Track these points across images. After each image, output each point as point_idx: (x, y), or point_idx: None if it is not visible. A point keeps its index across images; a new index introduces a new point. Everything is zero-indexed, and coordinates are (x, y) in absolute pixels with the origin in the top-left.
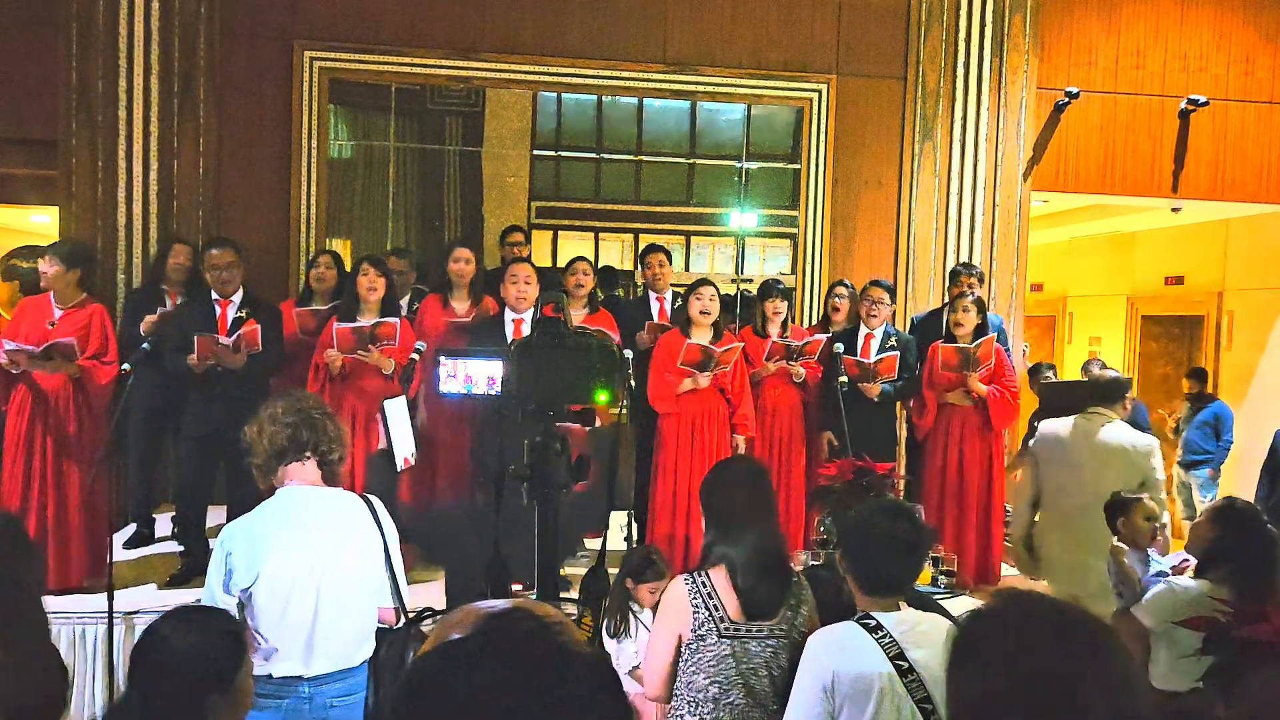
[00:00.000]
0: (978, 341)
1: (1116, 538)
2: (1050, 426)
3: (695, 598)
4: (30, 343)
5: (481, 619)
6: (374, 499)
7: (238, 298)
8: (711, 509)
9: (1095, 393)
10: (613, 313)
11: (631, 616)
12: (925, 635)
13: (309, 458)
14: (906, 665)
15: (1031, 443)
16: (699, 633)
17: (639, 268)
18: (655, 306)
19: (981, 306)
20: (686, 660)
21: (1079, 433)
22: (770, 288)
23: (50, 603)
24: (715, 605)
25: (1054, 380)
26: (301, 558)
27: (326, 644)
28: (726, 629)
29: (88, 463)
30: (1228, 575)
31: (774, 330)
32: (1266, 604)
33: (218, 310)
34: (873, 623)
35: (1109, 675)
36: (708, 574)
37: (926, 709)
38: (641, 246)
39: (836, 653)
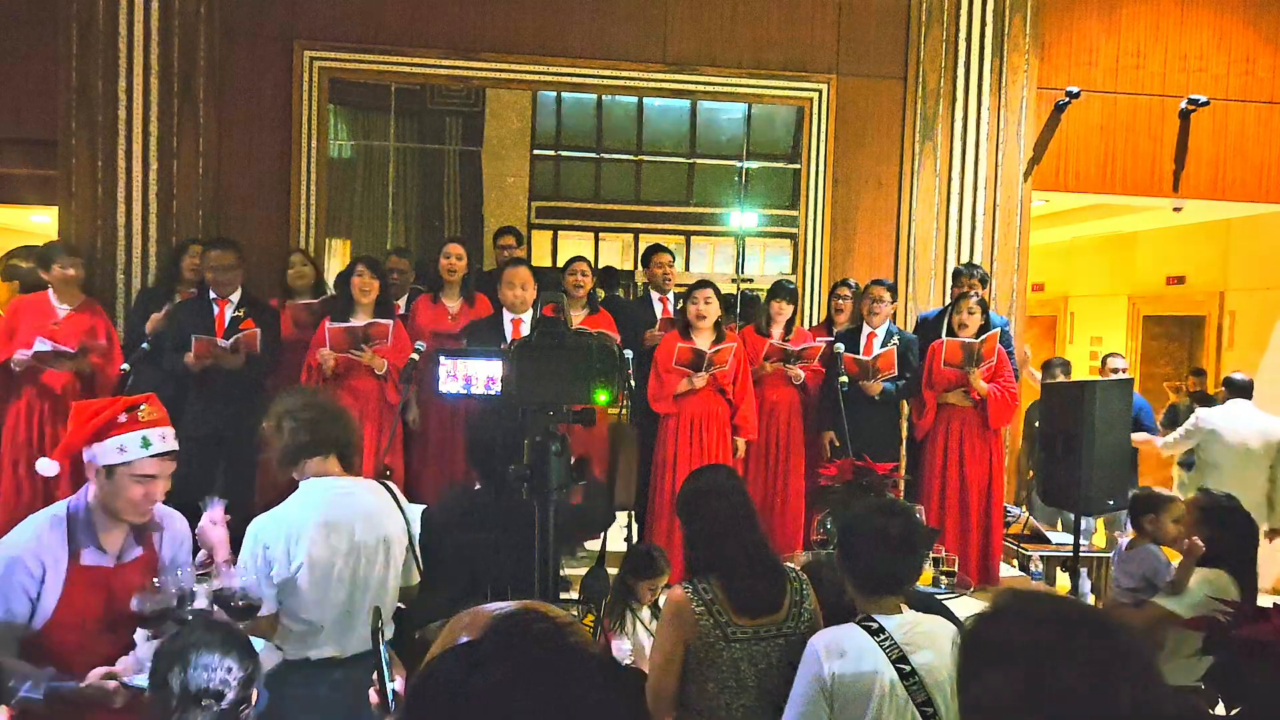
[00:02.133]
0: (982, 337)
1: (1138, 534)
2: (1210, 414)
3: (699, 605)
4: (32, 343)
5: (492, 621)
6: (392, 485)
7: (236, 297)
8: (694, 522)
9: (1238, 389)
10: (613, 313)
11: (629, 614)
12: (927, 637)
13: (330, 454)
14: (908, 668)
15: (1195, 422)
16: (708, 640)
17: (642, 267)
18: (659, 307)
19: (985, 307)
20: (695, 668)
21: (1235, 419)
22: (778, 288)
23: None
24: (719, 610)
25: (1055, 381)
26: (338, 540)
27: (363, 623)
28: (734, 633)
29: None
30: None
31: (776, 331)
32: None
33: (215, 310)
34: (874, 625)
35: (1134, 673)
36: (709, 580)
37: (927, 712)
38: (643, 247)
39: (836, 654)
